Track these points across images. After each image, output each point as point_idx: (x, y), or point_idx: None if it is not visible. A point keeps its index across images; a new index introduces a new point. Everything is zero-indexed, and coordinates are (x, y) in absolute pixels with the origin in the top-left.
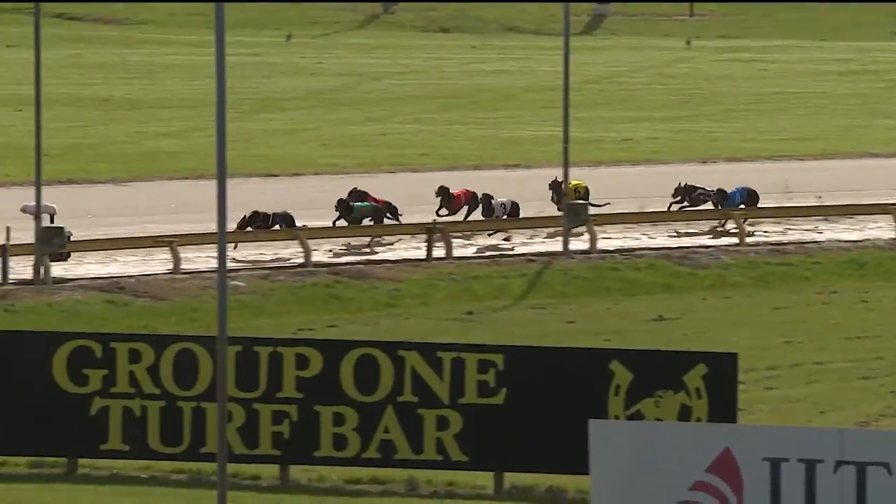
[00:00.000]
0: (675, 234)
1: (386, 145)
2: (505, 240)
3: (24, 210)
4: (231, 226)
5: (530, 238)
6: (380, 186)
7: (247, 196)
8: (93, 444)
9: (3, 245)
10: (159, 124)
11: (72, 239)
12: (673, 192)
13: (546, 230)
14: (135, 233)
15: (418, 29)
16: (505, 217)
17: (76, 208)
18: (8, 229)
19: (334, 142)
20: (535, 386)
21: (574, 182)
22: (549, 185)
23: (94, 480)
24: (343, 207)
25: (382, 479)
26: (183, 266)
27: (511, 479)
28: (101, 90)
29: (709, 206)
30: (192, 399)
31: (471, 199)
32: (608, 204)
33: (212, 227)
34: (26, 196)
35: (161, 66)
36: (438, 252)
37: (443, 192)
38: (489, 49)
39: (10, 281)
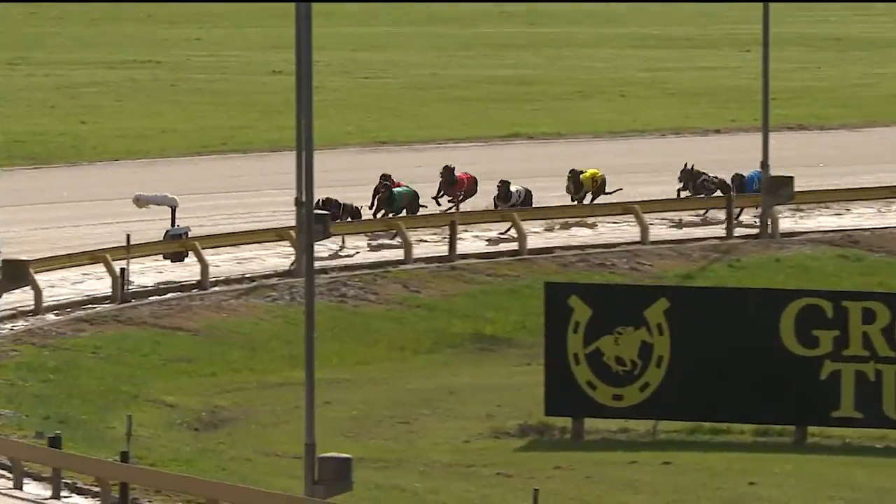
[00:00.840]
0: None
1: None
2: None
3: (136, 200)
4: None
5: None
6: None
7: None
8: (823, 410)
9: (729, 196)
10: None
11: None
12: (679, 176)
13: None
14: (869, 183)
15: None
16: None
17: (805, 155)
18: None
19: None
20: None
21: (590, 171)
22: (568, 175)
23: (824, 450)
24: (385, 197)
25: None
26: None
27: None
28: (835, 29)
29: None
30: None
31: (471, 185)
32: (620, 190)
33: None
34: (753, 144)
35: None
36: None
37: (447, 172)
38: None
39: (736, 235)
